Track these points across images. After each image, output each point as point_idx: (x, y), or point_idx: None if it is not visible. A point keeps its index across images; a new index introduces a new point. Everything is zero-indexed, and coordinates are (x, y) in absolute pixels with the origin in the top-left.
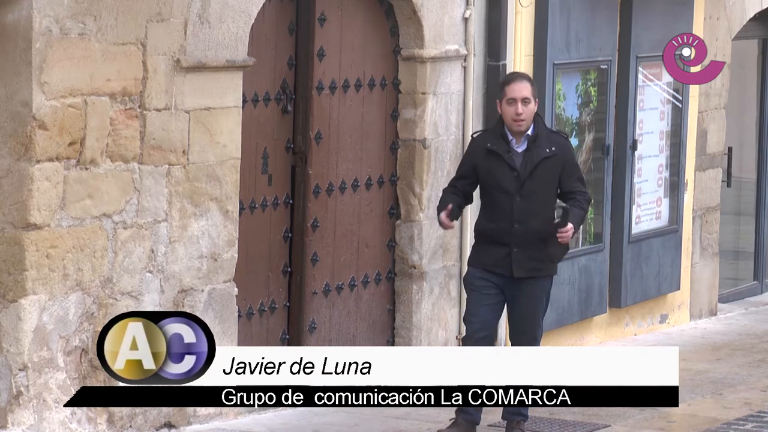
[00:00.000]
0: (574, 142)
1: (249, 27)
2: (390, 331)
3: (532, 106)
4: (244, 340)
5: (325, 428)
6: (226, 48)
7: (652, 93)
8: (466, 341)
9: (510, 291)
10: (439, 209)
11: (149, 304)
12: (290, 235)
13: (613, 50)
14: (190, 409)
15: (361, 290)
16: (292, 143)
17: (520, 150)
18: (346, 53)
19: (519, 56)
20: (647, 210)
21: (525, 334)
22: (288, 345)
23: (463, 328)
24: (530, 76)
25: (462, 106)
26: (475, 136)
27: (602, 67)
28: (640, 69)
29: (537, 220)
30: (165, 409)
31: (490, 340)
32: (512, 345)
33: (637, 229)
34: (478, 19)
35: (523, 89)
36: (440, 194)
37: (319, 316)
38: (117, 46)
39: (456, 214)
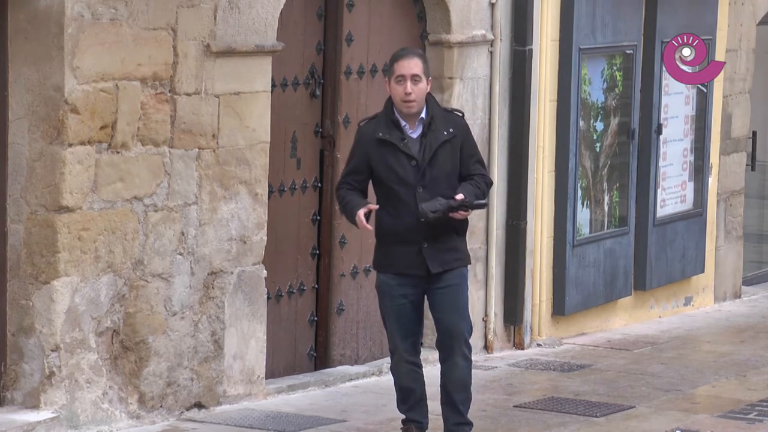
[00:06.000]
0: (599, 126)
1: (278, 12)
2: None
3: (424, 85)
4: (273, 321)
5: (353, 408)
6: (255, 33)
7: None
8: (398, 367)
9: (429, 289)
10: (350, 208)
11: (180, 286)
12: (318, 218)
13: (639, 35)
14: (219, 389)
15: None
16: (320, 127)
17: (415, 136)
18: (374, 38)
19: (545, 41)
20: (672, 193)
21: (453, 331)
22: (316, 327)
23: (490, 309)
24: (421, 53)
25: (489, 91)
26: (361, 125)
27: (628, 51)
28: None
29: None
30: (195, 390)
31: (418, 363)
32: (440, 345)
33: (661, 212)
34: (505, 4)
35: (413, 66)
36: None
37: (347, 298)
38: (148, 31)
39: (369, 215)
